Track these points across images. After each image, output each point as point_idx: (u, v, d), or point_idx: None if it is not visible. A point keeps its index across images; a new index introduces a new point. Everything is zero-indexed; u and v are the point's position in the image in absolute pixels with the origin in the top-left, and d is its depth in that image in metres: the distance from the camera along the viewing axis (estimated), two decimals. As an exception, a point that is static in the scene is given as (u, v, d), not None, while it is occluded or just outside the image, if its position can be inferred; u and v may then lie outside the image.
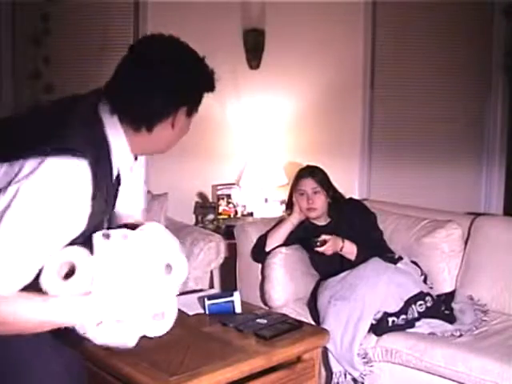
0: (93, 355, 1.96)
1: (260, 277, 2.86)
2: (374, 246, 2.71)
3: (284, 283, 2.73)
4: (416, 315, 2.40)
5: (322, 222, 2.85)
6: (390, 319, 2.38)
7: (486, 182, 4.24)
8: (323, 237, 2.60)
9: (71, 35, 3.61)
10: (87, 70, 3.64)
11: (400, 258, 2.62)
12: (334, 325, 2.35)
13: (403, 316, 2.39)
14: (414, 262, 2.65)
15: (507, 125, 4.20)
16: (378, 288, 2.40)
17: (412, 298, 2.42)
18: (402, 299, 2.41)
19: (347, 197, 2.96)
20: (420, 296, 2.44)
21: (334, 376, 2.40)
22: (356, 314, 2.36)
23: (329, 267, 2.69)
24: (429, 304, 2.44)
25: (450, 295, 2.66)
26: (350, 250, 2.64)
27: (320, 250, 2.60)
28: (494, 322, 2.46)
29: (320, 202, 2.79)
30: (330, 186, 2.85)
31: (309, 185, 2.80)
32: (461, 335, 2.32)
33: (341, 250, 2.63)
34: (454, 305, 2.55)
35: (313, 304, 2.60)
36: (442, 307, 2.50)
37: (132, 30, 3.70)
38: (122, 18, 3.69)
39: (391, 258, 2.61)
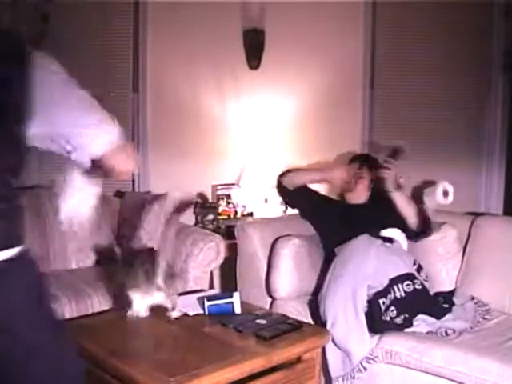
0: (93, 355, 1.97)
1: (265, 269, 2.84)
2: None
3: (291, 274, 2.73)
4: (403, 294, 2.40)
5: (360, 201, 2.91)
6: (381, 301, 2.37)
7: (486, 181, 4.24)
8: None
9: (71, 35, 3.61)
10: (87, 70, 3.65)
11: (392, 241, 2.63)
12: (333, 306, 2.36)
13: (406, 315, 2.38)
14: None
15: (507, 125, 4.19)
16: (367, 260, 2.43)
17: (400, 276, 2.43)
18: (391, 273, 2.43)
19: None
20: (408, 276, 2.45)
21: (332, 382, 2.40)
22: (349, 288, 2.38)
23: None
24: (417, 286, 2.44)
25: (450, 293, 2.66)
26: (401, 197, 2.75)
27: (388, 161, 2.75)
28: (493, 322, 2.46)
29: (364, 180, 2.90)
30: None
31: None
32: (460, 334, 2.31)
33: (399, 186, 2.77)
34: (455, 299, 2.55)
35: (314, 304, 2.59)
36: (440, 301, 2.50)
37: (132, 30, 3.70)
38: (121, 18, 3.69)
39: (384, 238, 2.63)
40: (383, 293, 2.39)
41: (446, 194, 2.84)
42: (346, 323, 2.35)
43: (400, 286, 2.42)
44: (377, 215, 2.75)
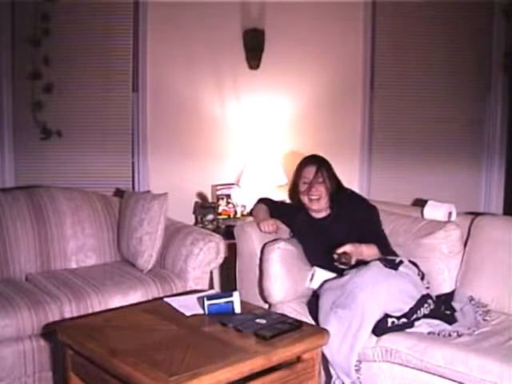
0: (93, 355, 1.97)
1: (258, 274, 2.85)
2: (382, 243, 2.65)
3: (282, 279, 2.72)
4: (420, 316, 2.40)
5: (321, 214, 2.81)
6: (390, 320, 2.37)
7: (486, 181, 4.24)
8: (342, 249, 2.49)
9: (71, 35, 3.61)
10: (87, 70, 3.65)
11: (401, 262, 2.54)
12: (333, 332, 2.30)
13: (404, 319, 2.38)
14: (412, 262, 2.63)
15: (507, 125, 4.20)
16: (378, 297, 2.34)
17: (416, 304, 2.39)
18: (407, 303, 2.38)
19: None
20: (424, 299, 2.43)
21: (332, 378, 2.40)
22: (356, 323, 2.33)
23: (324, 263, 2.68)
24: (432, 306, 2.43)
25: (450, 295, 2.65)
26: (370, 252, 2.57)
27: (346, 266, 2.50)
28: (494, 322, 2.46)
29: (323, 192, 2.76)
30: (334, 177, 2.82)
31: (313, 173, 2.77)
32: (460, 335, 2.31)
33: (362, 256, 2.55)
34: (454, 303, 2.54)
35: (313, 304, 2.59)
36: (441, 307, 2.49)
37: (132, 29, 3.70)
38: (121, 18, 3.69)
39: (392, 262, 2.53)
40: (399, 317, 2.37)
41: (449, 214, 2.84)
42: (338, 355, 2.34)
43: (419, 311, 2.39)
44: (338, 228, 2.67)
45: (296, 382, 2.05)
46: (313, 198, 2.76)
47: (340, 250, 2.50)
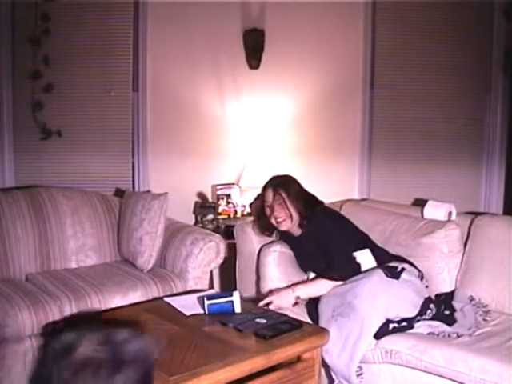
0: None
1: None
2: (337, 265, 2.53)
3: (279, 281, 2.71)
4: (421, 320, 2.40)
5: (297, 232, 2.74)
6: (391, 325, 2.36)
7: (486, 181, 4.24)
8: (265, 302, 2.49)
9: (71, 35, 3.61)
10: (87, 70, 3.65)
11: (403, 269, 2.49)
12: (333, 339, 2.30)
13: (404, 323, 2.38)
14: (411, 263, 2.63)
15: (507, 125, 4.20)
16: (377, 309, 2.33)
17: (419, 312, 2.38)
18: (409, 311, 2.37)
19: (345, 197, 2.89)
20: (426, 304, 2.41)
21: (335, 382, 2.41)
22: (355, 333, 2.32)
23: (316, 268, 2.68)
24: (434, 311, 2.43)
25: (450, 295, 2.65)
26: (308, 294, 2.54)
27: (270, 307, 2.49)
28: (493, 322, 2.45)
29: (286, 213, 2.65)
30: (299, 196, 2.69)
31: (271, 196, 2.68)
32: (460, 336, 2.31)
33: (298, 298, 2.53)
34: (454, 303, 2.53)
35: (312, 306, 2.58)
36: (441, 307, 2.49)
37: (132, 30, 3.70)
38: (121, 18, 3.69)
39: (394, 271, 2.47)
40: (400, 321, 2.37)
41: (449, 214, 2.84)
42: (338, 362, 2.34)
43: (420, 317, 2.39)
44: (308, 249, 2.66)
45: (296, 382, 2.05)
46: (278, 220, 2.67)
47: (263, 303, 2.49)
